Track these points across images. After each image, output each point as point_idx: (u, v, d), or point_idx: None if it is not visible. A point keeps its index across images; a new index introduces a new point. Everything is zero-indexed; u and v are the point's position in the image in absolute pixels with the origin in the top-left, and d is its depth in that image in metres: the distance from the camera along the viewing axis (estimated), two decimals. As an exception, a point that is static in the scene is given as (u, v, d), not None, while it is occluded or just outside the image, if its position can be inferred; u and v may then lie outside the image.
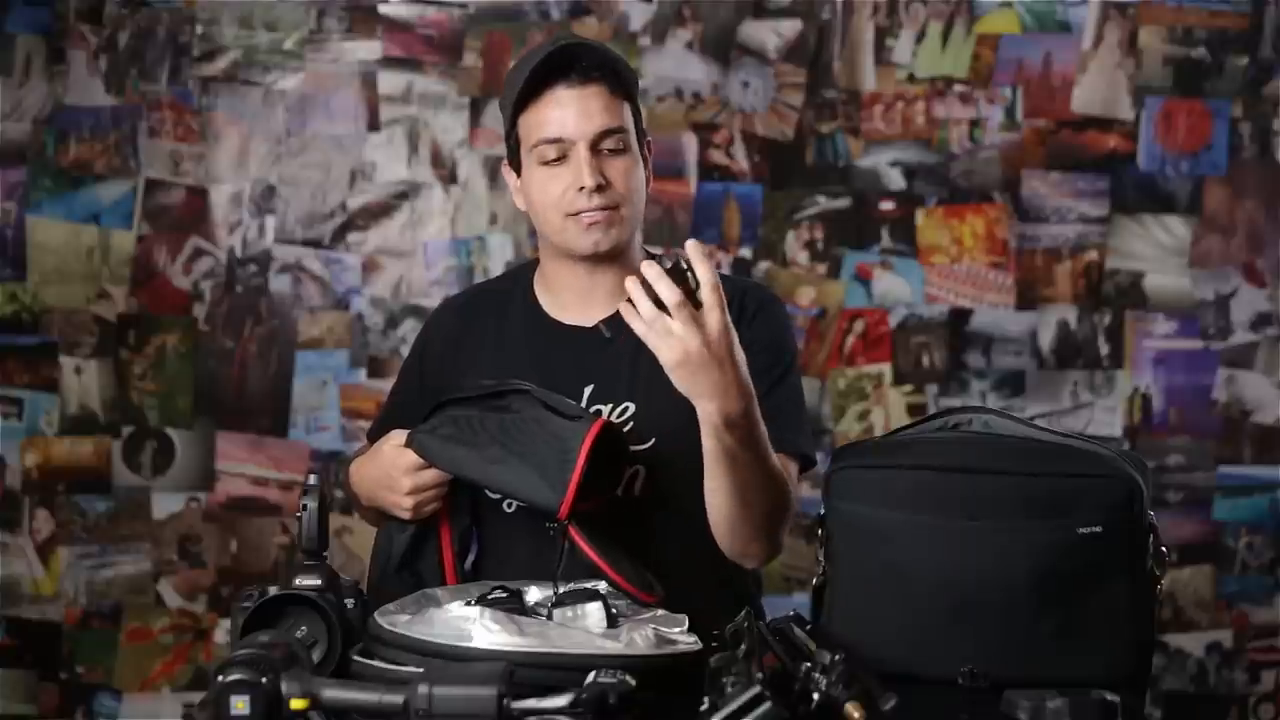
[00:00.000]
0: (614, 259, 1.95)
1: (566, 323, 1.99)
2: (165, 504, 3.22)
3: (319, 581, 1.55)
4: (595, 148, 1.89)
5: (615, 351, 1.92)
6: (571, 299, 1.98)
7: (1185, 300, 3.25)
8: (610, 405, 1.92)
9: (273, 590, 1.55)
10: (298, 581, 1.55)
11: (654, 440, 1.90)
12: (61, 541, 3.19)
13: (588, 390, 1.93)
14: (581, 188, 1.87)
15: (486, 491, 1.88)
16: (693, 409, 1.75)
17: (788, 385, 1.93)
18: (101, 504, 3.20)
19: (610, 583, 1.67)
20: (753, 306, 1.95)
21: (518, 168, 1.96)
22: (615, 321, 1.94)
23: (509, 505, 1.90)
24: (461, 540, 1.89)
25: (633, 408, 1.92)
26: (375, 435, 2.08)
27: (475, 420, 1.80)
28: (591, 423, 1.75)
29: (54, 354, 3.19)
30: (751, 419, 1.68)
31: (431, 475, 1.82)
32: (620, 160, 1.90)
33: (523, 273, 2.09)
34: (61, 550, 3.20)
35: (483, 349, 2.01)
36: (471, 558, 1.90)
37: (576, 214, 1.89)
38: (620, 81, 1.92)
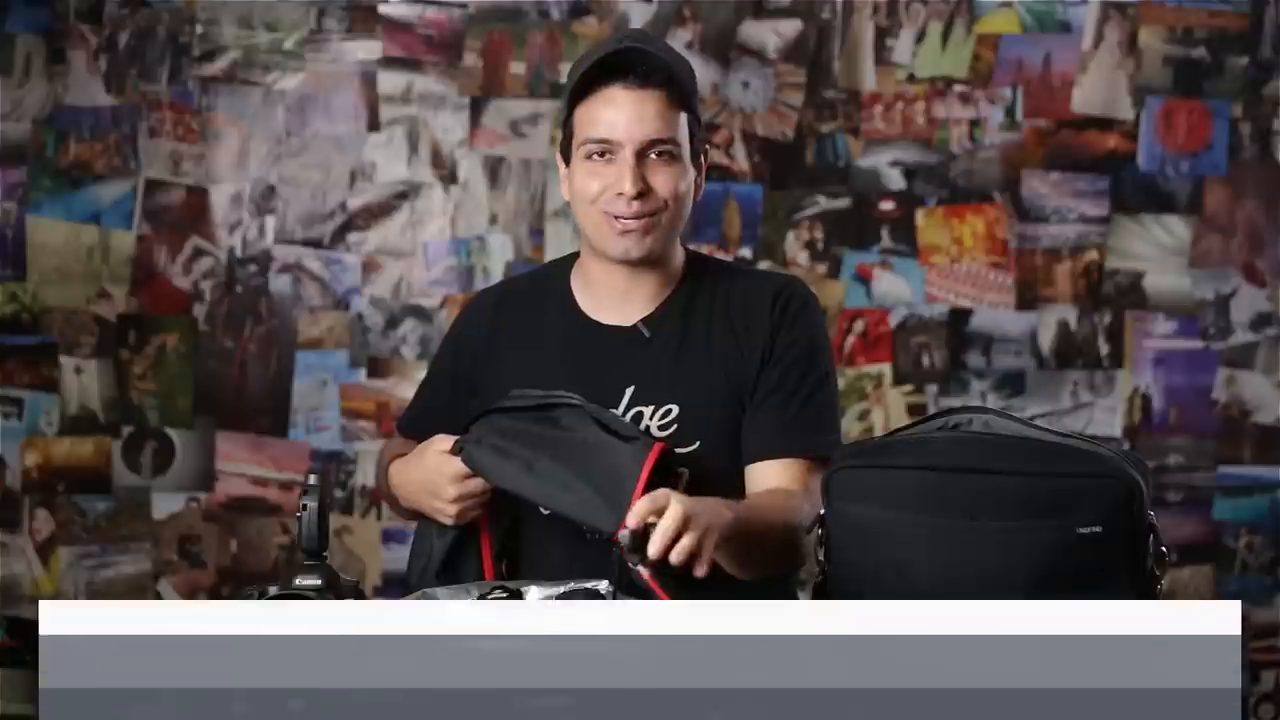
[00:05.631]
0: (652, 263, 1.93)
1: (605, 322, 1.95)
2: (165, 504, 3.22)
3: (319, 581, 1.55)
4: (642, 154, 1.86)
5: (655, 352, 1.91)
6: (610, 298, 1.95)
7: (1185, 300, 3.25)
8: (653, 407, 1.89)
9: (273, 590, 1.55)
10: (298, 581, 1.55)
11: (698, 443, 1.88)
12: (61, 541, 3.20)
13: (629, 392, 1.90)
14: (620, 193, 1.86)
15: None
16: (734, 410, 1.84)
17: (825, 391, 1.92)
18: (101, 504, 3.21)
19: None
20: (795, 307, 1.93)
21: (568, 157, 1.94)
22: (654, 321, 1.94)
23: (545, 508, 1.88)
24: (502, 541, 1.88)
25: (676, 410, 1.89)
26: (406, 425, 2.09)
27: (525, 434, 1.79)
28: (649, 447, 1.74)
29: (54, 354, 3.19)
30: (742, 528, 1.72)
31: (477, 484, 1.82)
32: (667, 168, 1.88)
33: (559, 269, 2.05)
34: (61, 550, 3.20)
35: (517, 347, 1.98)
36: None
37: (613, 216, 1.88)
38: (679, 91, 1.90)
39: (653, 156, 1.87)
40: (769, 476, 1.87)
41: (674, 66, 1.92)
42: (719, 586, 1.79)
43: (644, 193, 1.86)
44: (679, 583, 1.75)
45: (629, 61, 1.88)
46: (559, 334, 1.97)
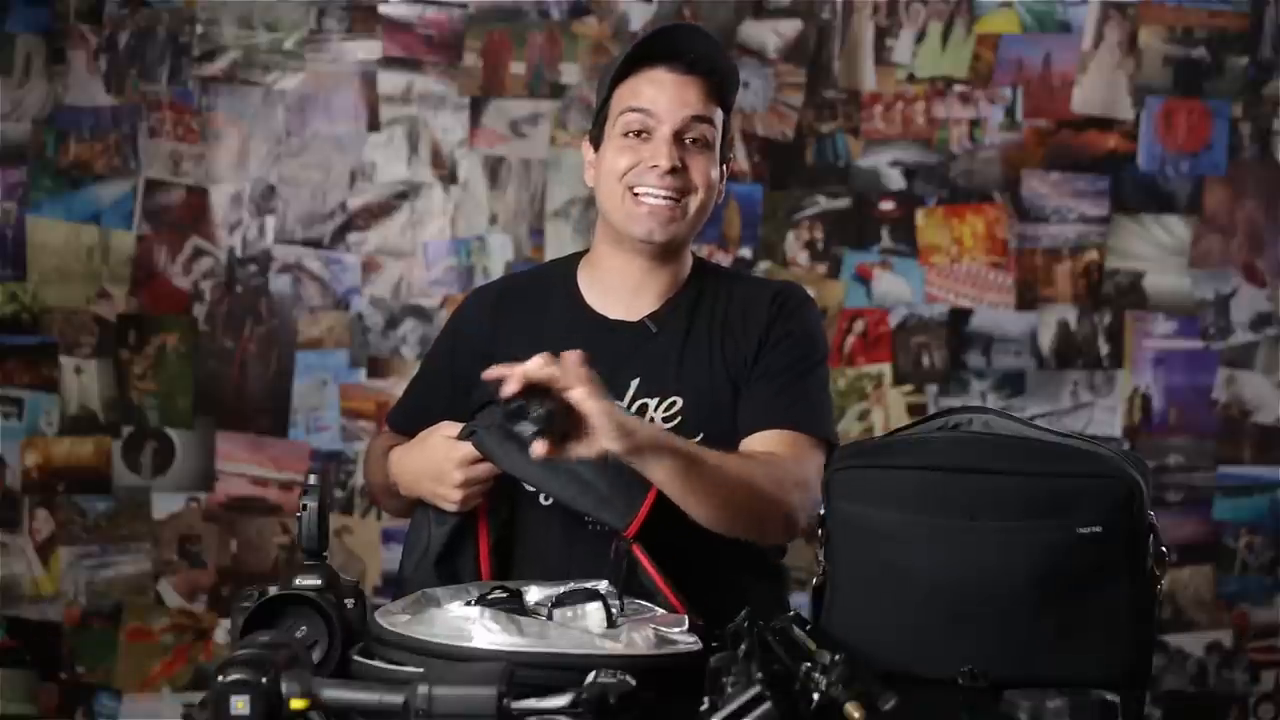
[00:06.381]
0: (668, 257, 1.95)
1: (611, 317, 1.98)
2: (165, 504, 3.22)
3: (319, 581, 1.55)
4: (680, 136, 1.90)
5: (661, 346, 1.94)
6: (620, 291, 1.98)
7: (1185, 300, 3.25)
8: (657, 399, 1.92)
9: (273, 590, 1.54)
10: (298, 581, 1.55)
11: (702, 435, 1.88)
12: (61, 541, 3.19)
13: (634, 383, 1.92)
14: (654, 166, 1.88)
15: (525, 485, 1.87)
16: (736, 407, 1.85)
17: (816, 376, 1.96)
18: (101, 504, 3.20)
19: (665, 603, 1.68)
20: (792, 304, 1.97)
21: (597, 143, 1.97)
22: (661, 317, 1.95)
23: (546, 498, 1.88)
24: (499, 532, 1.88)
25: (680, 402, 1.92)
26: (398, 418, 2.08)
27: None
28: None
29: (54, 354, 3.19)
30: (669, 440, 1.72)
31: (485, 469, 1.82)
32: (700, 155, 1.92)
33: (562, 266, 2.07)
34: (61, 550, 3.20)
35: (519, 342, 1.96)
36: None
37: (639, 194, 1.90)
38: (720, 88, 1.94)
39: (688, 141, 1.91)
40: (755, 446, 1.88)
41: (722, 63, 1.95)
42: (706, 567, 1.80)
43: (677, 170, 1.89)
44: (664, 567, 1.75)
45: (676, 46, 1.91)
46: (563, 328, 1.98)
